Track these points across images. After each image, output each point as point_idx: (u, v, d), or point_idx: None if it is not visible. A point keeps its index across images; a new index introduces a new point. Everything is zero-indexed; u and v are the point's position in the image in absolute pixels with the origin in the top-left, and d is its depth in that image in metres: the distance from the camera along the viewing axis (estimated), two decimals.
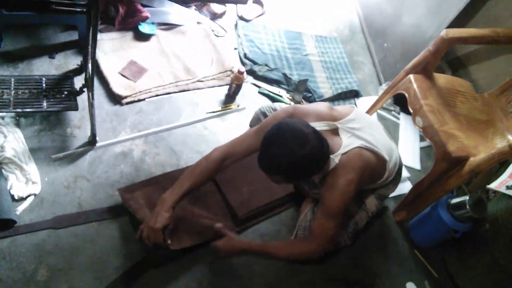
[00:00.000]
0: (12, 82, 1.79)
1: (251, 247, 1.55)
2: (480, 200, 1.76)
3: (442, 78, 2.08)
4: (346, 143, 1.49)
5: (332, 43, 2.93)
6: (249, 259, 1.69)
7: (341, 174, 1.44)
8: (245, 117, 2.19)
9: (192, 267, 1.60)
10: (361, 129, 1.56)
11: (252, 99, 2.33)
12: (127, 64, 2.15)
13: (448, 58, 2.56)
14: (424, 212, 1.94)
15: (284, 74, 2.49)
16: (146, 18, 2.29)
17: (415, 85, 1.94)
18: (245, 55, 2.50)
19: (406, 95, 1.98)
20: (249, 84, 2.40)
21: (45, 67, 2.01)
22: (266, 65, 2.49)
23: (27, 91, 1.79)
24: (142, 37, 2.32)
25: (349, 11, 3.31)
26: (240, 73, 2.15)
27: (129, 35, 2.31)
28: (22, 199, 1.57)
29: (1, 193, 1.49)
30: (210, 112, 2.16)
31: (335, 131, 1.54)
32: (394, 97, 2.45)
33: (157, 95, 2.11)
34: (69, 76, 1.94)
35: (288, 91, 2.46)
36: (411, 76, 1.98)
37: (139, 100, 2.06)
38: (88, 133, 1.81)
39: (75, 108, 1.82)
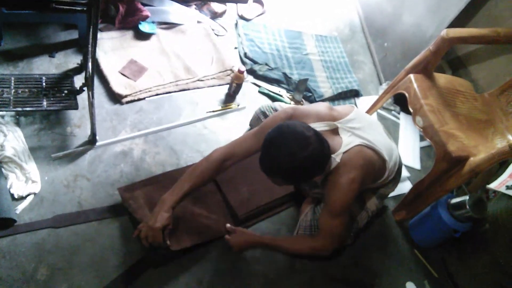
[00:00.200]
0: (12, 81, 1.79)
1: (262, 240, 1.64)
2: (480, 200, 1.76)
3: (442, 78, 2.08)
4: (346, 142, 1.49)
5: (333, 43, 2.93)
6: (250, 258, 1.69)
7: (343, 173, 1.45)
8: (245, 116, 2.19)
9: (192, 266, 1.60)
10: (361, 128, 1.56)
11: (252, 99, 2.33)
12: (127, 63, 2.15)
13: (448, 58, 2.56)
14: (424, 211, 1.94)
15: (284, 74, 2.49)
16: (146, 17, 2.29)
17: (415, 85, 1.94)
18: (245, 54, 2.50)
19: (406, 94, 1.98)
20: (249, 84, 2.40)
21: (45, 66, 2.01)
22: (266, 64, 2.49)
23: (27, 90, 1.79)
24: (142, 36, 2.32)
25: (350, 11, 3.30)
26: (240, 72, 2.15)
27: (129, 34, 2.31)
28: (22, 198, 1.56)
29: (1, 192, 1.49)
30: (210, 112, 2.16)
31: (335, 131, 1.54)
32: (394, 97, 2.45)
33: (157, 94, 2.11)
34: (69, 75, 1.93)
35: (288, 90, 2.46)
36: (412, 76, 1.98)
37: (139, 99, 2.06)
38: (88, 132, 1.81)
39: (75, 107, 1.82)
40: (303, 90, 2.42)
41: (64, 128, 1.83)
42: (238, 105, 2.25)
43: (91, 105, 1.63)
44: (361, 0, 3.31)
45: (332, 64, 2.75)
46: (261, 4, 2.85)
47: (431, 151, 2.49)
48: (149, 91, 2.09)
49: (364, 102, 2.58)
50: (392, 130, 2.52)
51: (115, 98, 2.01)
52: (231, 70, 2.35)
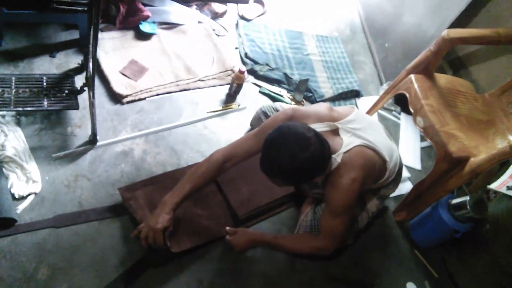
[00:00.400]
0: (13, 81, 1.79)
1: (264, 238, 1.63)
2: (480, 200, 1.76)
3: (443, 78, 2.08)
4: (347, 142, 1.50)
5: (333, 43, 2.93)
6: (250, 258, 1.69)
7: (344, 173, 1.45)
8: (246, 116, 2.19)
9: (192, 266, 1.60)
10: (362, 129, 1.56)
11: (253, 99, 2.33)
12: (128, 63, 2.15)
13: (449, 58, 2.56)
14: (425, 212, 1.94)
15: (285, 74, 2.49)
16: (147, 17, 2.29)
17: (416, 85, 1.94)
18: (246, 54, 2.50)
19: (407, 95, 1.98)
20: (249, 84, 2.40)
21: (46, 66, 2.01)
22: (267, 64, 2.49)
23: (27, 90, 1.79)
24: (143, 36, 2.32)
25: (350, 11, 3.30)
26: (241, 72, 2.15)
27: (130, 34, 2.31)
28: (23, 198, 1.56)
29: (1, 192, 1.49)
30: (211, 112, 2.16)
31: (335, 132, 1.54)
32: (395, 97, 2.45)
33: (158, 94, 2.11)
34: (69, 75, 1.93)
35: (289, 90, 2.46)
36: (412, 76, 1.98)
37: (139, 99, 2.06)
38: (89, 132, 1.81)
39: (76, 107, 1.82)
40: (303, 90, 2.42)
41: (64, 128, 1.83)
42: (238, 105, 2.25)
43: (91, 105, 1.64)
44: (362, 1, 3.31)
45: (332, 64, 2.75)
46: (262, 4, 2.85)
47: (431, 152, 2.48)
48: (150, 91, 2.09)
49: (365, 102, 2.58)
50: (393, 131, 2.52)
51: (116, 98, 2.01)
52: (231, 70, 2.35)
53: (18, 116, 1.78)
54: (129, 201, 1.62)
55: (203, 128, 2.08)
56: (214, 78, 2.31)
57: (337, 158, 1.46)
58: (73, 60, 2.08)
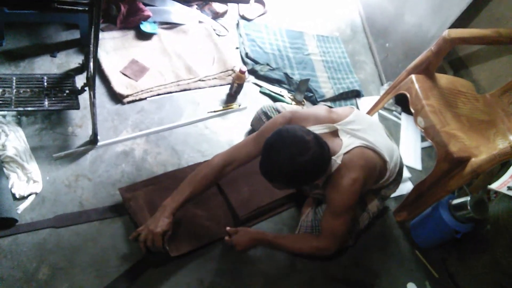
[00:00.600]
0: (14, 81, 1.79)
1: (265, 237, 1.62)
2: (481, 201, 1.76)
3: (444, 79, 2.08)
4: (347, 143, 1.49)
5: (334, 43, 2.93)
6: (250, 258, 1.69)
7: (344, 174, 1.45)
8: (247, 116, 2.19)
9: (193, 266, 1.60)
10: (361, 130, 1.56)
11: (253, 99, 2.33)
12: (128, 63, 2.15)
13: (450, 58, 2.56)
14: (425, 212, 1.94)
15: (286, 74, 2.49)
16: (148, 17, 2.29)
17: (416, 85, 1.94)
18: (246, 54, 2.50)
19: (408, 95, 1.97)
20: (250, 84, 2.40)
21: (47, 66, 2.01)
22: (267, 64, 2.49)
23: (28, 89, 1.79)
24: (144, 36, 2.32)
25: (351, 11, 3.30)
26: (242, 72, 2.15)
27: (131, 34, 2.31)
28: (23, 198, 1.57)
29: (2, 192, 1.50)
30: (212, 112, 2.16)
31: (335, 133, 1.54)
32: (396, 97, 2.45)
33: (158, 94, 2.11)
34: (70, 75, 1.93)
35: (289, 90, 2.46)
36: (413, 76, 1.98)
37: (140, 99, 2.06)
38: (90, 132, 1.81)
39: (77, 107, 1.82)
40: (304, 90, 2.42)
41: (65, 128, 1.83)
42: (239, 105, 2.25)
43: (92, 105, 1.64)
44: (363, 0, 3.31)
45: (333, 64, 2.75)
46: (263, 4, 2.85)
47: (432, 152, 2.48)
48: (151, 91, 2.09)
49: (366, 102, 2.58)
50: (393, 131, 2.52)
51: (117, 98, 2.01)
52: (232, 70, 2.35)
53: (19, 116, 1.78)
54: (129, 201, 1.62)
55: (204, 128, 2.08)
56: (215, 78, 2.31)
57: (337, 159, 1.46)
58: (74, 60, 2.08)
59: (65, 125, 1.83)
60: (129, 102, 2.02)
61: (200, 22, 2.54)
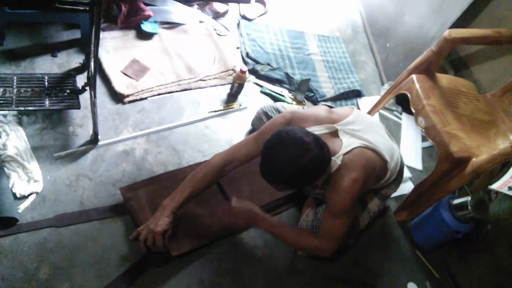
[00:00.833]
0: (15, 80, 1.79)
1: (264, 223, 1.57)
2: (482, 201, 1.76)
3: (444, 79, 2.08)
4: (347, 144, 1.49)
5: (335, 43, 2.92)
6: (251, 258, 1.69)
7: (344, 174, 1.44)
8: (247, 116, 2.19)
9: (193, 266, 1.60)
10: (362, 130, 1.56)
11: (254, 99, 2.33)
12: (129, 62, 2.15)
13: (450, 59, 2.56)
14: (426, 212, 1.94)
15: (286, 74, 2.49)
16: (149, 16, 2.29)
17: (417, 85, 1.94)
18: (247, 54, 2.50)
19: (409, 95, 1.97)
20: (251, 84, 2.40)
21: (48, 66, 2.01)
22: (268, 64, 2.49)
23: (29, 89, 1.79)
24: (145, 35, 2.32)
25: (352, 11, 3.30)
26: (242, 72, 2.15)
27: (132, 33, 2.31)
28: (24, 197, 1.57)
29: (3, 191, 1.50)
30: (212, 111, 2.16)
31: (335, 134, 1.54)
32: (396, 97, 2.45)
33: (159, 94, 2.11)
34: (71, 74, 1.93)
35: (290, 90, 2.46)
36: (414, 76, 1.98)
37: (141, 99, 2.06)
38: (90, 131, 1.81)
39: (77, 106, 1.82)
40: (305, 90, 2.41)
41: (66, 127, 1.83)
42: (240, 105, 2.25)
43: (93, 104, 1.64)
44: (364, 1, 3.31)
45: (334, 64, 2.75)
46: (263, 4, 2.85)
47: (433, 152, 2.48)
48: (151, 90, 2.09)
49: (366, 102, 2.58)
50: (394, 131, 2.52)
51: (117, 97, 2.01)
52: (233, 70, 2.36)
53: (19, 116, 1.78)
54: (130, 201, 1.62)
55: (205, 128, 2.08)
56: (216, 77, 2.31)
57: (337, 160, 1.46)
58: (74, 59, 2.08)
59: (65, 125, 1.83)
60: (129, 102, 2.02)
61: (200, 21, 2.55)
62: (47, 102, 1.77)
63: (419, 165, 2.38)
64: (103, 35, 2.19)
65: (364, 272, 1.84)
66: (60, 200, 1.61)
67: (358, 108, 2.55)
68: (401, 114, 2.63)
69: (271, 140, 1.35)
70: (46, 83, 1.84)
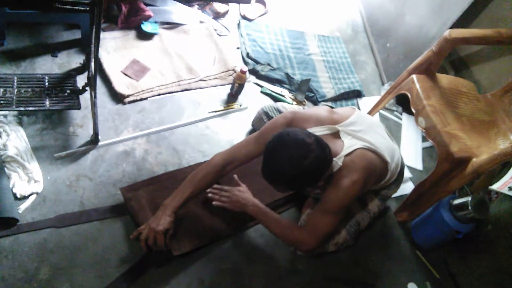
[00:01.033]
0: (15, 81, 1.79)
1: (258, 209, 1.61)
2: (482, 201, 1.76)
3: (445, 79, 2.08)
4: (348, 145, 1.49)
5: (335, 43, 2.92)
6: (251, 258, 1.69)
7: (345, 175, 1.44)
8: (248, 116, 2.19)
9: (193, 266, 1.60)
10: (363, 131, 1.56)
11: (254, 99, 2.33)
12: (129, 63, 2.15)
13: (451, 59, 2.55)
14: (426, 212, 1.94)
15: (287, 74, 2.49)
16: (149, 17, 2.29)
17: (417, 86, 1.94)
18: (247, 54, 2.50)
19: (409, 95, 1.97)
20: (251, 84, 2.40)
21: (48, 66, 2.01)
22: (268, 64, 2.49)
23: (29, 89, 1.79)
24: (145, 36, 2.32)
25: (352, 11, 3.30)
26: (243, 72, 2.15)
27: (132, 34, 2.31)
28: (24, 197, 1.57)
29: (3, 191, 1.50)
30: (212, 112, 2.16)
31: (336, 134, 1.54)
32: (397, 97, 2.45)
33: (159, 94, 2.11)
34: (71, 74, 1.94)
35: (290, 90, 2.46)
36: (414, 76, 1.98)
37: (141, 99, 2.06)
38: (91, 132, 1.81)
39: (78, 107, 1.82)
40: (305, 90, 2.41)
41: (66, 127, 1.83)
42: (240, 105, 2.25)
43: (93, 105, 1.64)
44: (364, 1, 3.31)
45: (334, 64, 2.75)
46: (264, 4, 2.85)
47: (433, 152, 2.48)
48: (152, 91, 2.09)
49: (367, 102, 2.58)
50: (394, 131, 2.52)
51: (118, 98, 2.01)
52: (233, 70, 2.36)
53: (20, 116, 1.78)
54: (130, 201, 1.62)
55: (205, 128, 2.08)
56: (216, 78, 2.31)
57: (338, 161, 1.46)
58: (75, 60, 2.08)
59: (66, 125, 1.84)
60: (130, 102, 2.02)
61: (201, 22, 2.55)
62: (47, 103, 1.77)
63: (419, 166, 2.38)
64: (103, 35, 2.20)
65: (364, 272, 1.84)
66: (61, 201, 1.61)
67: (359, 108, 2.55)
68: (401, 114, 2.63)
69: (272, 141, 1.35)
70: (47, 84, 1.84)
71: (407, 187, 2.20)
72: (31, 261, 1.44)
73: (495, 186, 1.72)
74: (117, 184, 1.73)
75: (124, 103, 2.01)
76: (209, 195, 1.69)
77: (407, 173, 2.24)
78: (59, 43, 2.12)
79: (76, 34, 2.17)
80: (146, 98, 2.07)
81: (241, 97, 2.29)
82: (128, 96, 2.01)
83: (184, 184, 1.53)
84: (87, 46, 1.71)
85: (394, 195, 1.97)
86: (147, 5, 2.31)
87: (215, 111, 2.17)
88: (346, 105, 2.51)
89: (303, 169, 1.30)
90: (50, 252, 1.47)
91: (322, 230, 1.53)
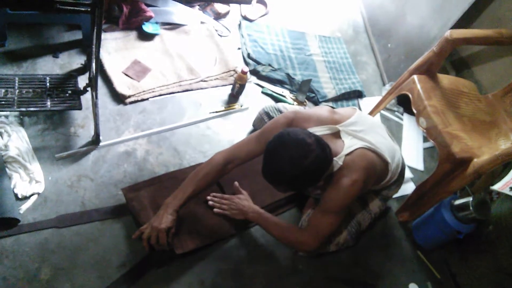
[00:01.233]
0: (16, 81, 1.80)
1: (259, 215, 1.65)
2: (483, 201, 1.75)
3: (446, 79, 2.08)
4: (348, 144, 1.49)
5: (336, 43, 2.92)
6: (252, 259, 1.69)
7: (345, 175, 1.44)
8: (249, 117, 2.19)
9: (194, 266, 1.60)
10: (363, 131, 1.56)
11: (255, 99, 2.33)
12: (130, 63, 2.15)
13: (452, 59, 2.55)
14: (427, 213, 1.93)
15: (288, 74, 2.49)
16: (150, 17, 2.29)
17: (418, 86, 1.93)
18: (248, 55, 2.50)
19: (410, 95, 1.97)
20: (252, 84, 2.40)
21: (49, 66, 2.01)
22: (269, 65, 2.49)
23: (31, 90, 1.79)
24: (146, 36, 2.32)
25: (353, 12, 3.30)
26: (244, 73, 2.15)
27: (133, 34, 2.31)
28: (26, 198, 1.57)
29: (4, 192, 1.50)
30: (213, 112, 2.16)
31: (337, 134, 1.54)
32: (398, 98, 2.44)
33: (160, 95, 2.12)
34: (73, 75, 1.94)
35: (291, 91, 2.46)
36: (415, 77, 1.98)
37: (142, 100, 2.06)
38: (92, 132, 1.82)
39: (79, 107, 1.82)
40: (306, 91, 2.41)
41: (67, 128, 1.83)
42: (241, 106, 2.25)
43: (94, 105, 1.64)
44: (365, 1, 3.31)
45: (335, 65, 2.75)
46: (265, 4, 2.85)
47: (434, 152, 2.48)
48: (153, 91, 2.09)
49: (368, 103, 2.58)
50: (396, 131, 2.52)
51: (119, 98, 2.02)
52: (234, 70, 2.36)
53: (21, 117, 1.79)
54: (132, 201, 1.62)
55: (206, 129, 2.08)
56: (217, 78, 2.31)
57: (338, 161, 1.46)
58: (76, 60, 2.08)
59: (67, 126, 1.84)
60: (131, 103, 2.03)
61: (202, 22, 2.55)
62: (48, 103, 1.77)
63: (420, 166, 2.37)
64: (104, 36, 2.20)
65: (365, 272, 1.84)
66: (62, 201, 1.61)
67: (360, 108, 2.55)
68: (402, 114, 2.62)
69: (273, 141, 1.35)
70: (48, 84, 1.84)
71: (408, 188, 2.20)
72: (32, 261, 1.44)
73: (496, 187, 1.72)
74: (118, 184, 1.73)
75: (125, 104, 2.01)
76: (210, 203, 1.71)
77: (408, 174, 2.24)
78: (60, 44, 2.13)
79: (77, 35, 2.17)
80: (147, 99, 2.07)
81: (242, 98, 2.29)
82: (129, 96, 2.01)
83: (185, 183, 1.53)
84: (88, 46, 1.71)
85: (395, 196, 1.97)
86: (148, 5, 2.32)
87: (216, 112, 2.17)
88: (347, 106, 2.51)
89: (303, 169, 1.30)
90: (51, 253, 1.48)
91: (323, 231, 1.53)
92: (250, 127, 2.15)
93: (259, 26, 2.73)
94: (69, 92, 1.85)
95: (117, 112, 1.97)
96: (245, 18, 2.75)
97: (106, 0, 2.16)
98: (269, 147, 1.36)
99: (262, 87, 2.41)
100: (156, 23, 2.37)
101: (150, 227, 1.46)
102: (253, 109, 2.22)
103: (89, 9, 1.41)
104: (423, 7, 2.52)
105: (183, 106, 2.12)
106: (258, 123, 2.04)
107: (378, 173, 1.57)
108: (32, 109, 1.72)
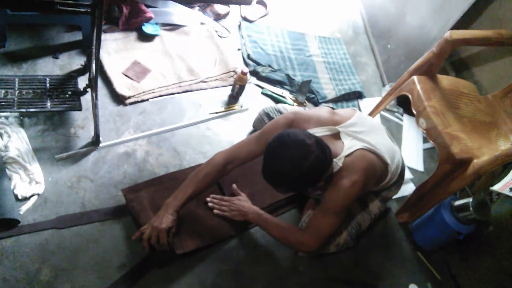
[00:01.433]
0: (16, 82, 1.80)
1: (259, 216, 1.65)
2: (483, 202, 1.75)
3: (445, 80, 2.08)
4: (348, 146, 1.49)
5: (336, 44, 2.93)
6: (252, 259, 1.69)
7: (345, 176, 1.44)
8: (248, 118, 2.19)
9: (194, 267, 1.60)
10: (363, 132, 1.56)
11: (255, 100, 2.33)
12: (130, 64, 2.15)
13: (451, 60, 2.56)
14: (427, 214, 1.93)
15: (288, 75, 2.49)
16: (150, 18, 2.29)
17: (418, 87, 1.94)
18: (248, 55, 2.50)
19: (410, 96, 1.97)
20: (252, 85, 2.40)
21: (49, 67, 2.01)
22: (269, 66, 2.49)
23: (31, 91, 1.79)
24: (146, 37, 2.33)
25: (353, 12, 3.31)
26: (244, 73, 2.15)
27: (133, 35, 2.32)
28: (26, 199, 1.57)
29: (4, 192, 1.50)
30: (213, 113, 2.16)
31: (336, 135, 1.54)
32: (398, 99, 2.44)
33: (160, 96, 2.12)
34: (73, 76, 1.94)
35: (291, 92, 2.46)
36: (415, 78, 1.98)
37: (142, 101, 2.06)
38: (92, 133, 1.82)
39: (79, 108, 1.82)
40: (306, 91, 2.41)
41: (67, 129, 1.83)
42: (241, 107, 2.25)
43: (94, 106, 1.64)
44: (365, 2, 3.31)
45: (335, 65, 2.75)
46: (264, 5, 2.86)
47: (434, 153, 2.48)
48: (153, 92, 2.10)
49: (367, 103, 2.58)
50: (395, 132, 2.52)
51: (119, 99, 2.02)
52: (234, 71, 2.36)
53: (21, 117, 1.79)
54: (132, 202, 1.62)
55: (206, 130, 2.08)
56: (217, 79, 2.31)
57: (338, 162, 1.46)
58: (76, 61, 2.08)
59: (67, 127, 1.84)
60: (131, 104, 2.03)
61: (202, 23, 2.55)
62: (48, 104, 1.77)
63: (420, 167, 2.38)
64: (104, 37, 2.20)
65: (365, 273, 1.83)
66: (62, 202, 1.61)
67: (359, 109, 2.55)
68: (402, 115, 2.63)
69: (272, 142, 1.36)
70: (48, 85, 1.84)
71: (408, 188, 2.20)
72: (32, 262, 1.44)
73: (496, 187, 1.72)
74: (118, 185, 1.73)
75: (125, 105, 2.01)
76: (209, 204, 1.71)
77: (408, 174, 2.24)
78: (60, 45, 2.13)
79: (77, 36, 2.17)
80: (147, 100, 2.07)
81: (242, 99, 2.29)
82: (129, 97, 2.01)
83: (185, 183, 1.53)
84: (88, 47, 1.71)
85: (395, 196, 1.97)
86: (148, 6, 2.32)
87: (216, 113, 2.17)
88: (347, 106, 2.51)
89: (303, 170, 1.30)
90: (51, 253, 1.48)
91: (323, 231, 1.53)
92: (250, 128, 2.15)
93: (259, 27, 2.73)
94: (69, 93, 1.85)
95: (117, 113, 1.97)
96: (245, 19, 2.75)
97: (106, 1, 2.16)
98: (269, 148, 1.36)
99: (262, 88, 2.41)
100: (156, 24, 2.37)
101: (150, 227, 1.46)
102: (253, 110, 2.22)
103: (89, 10, 1.42)
104: (423, 8, 2.53)
105: (183, 107, 2.12)
106: (258, 124, 2.04)
107: (378, 174, 1.57)
108: (32, 110, 1.72)
